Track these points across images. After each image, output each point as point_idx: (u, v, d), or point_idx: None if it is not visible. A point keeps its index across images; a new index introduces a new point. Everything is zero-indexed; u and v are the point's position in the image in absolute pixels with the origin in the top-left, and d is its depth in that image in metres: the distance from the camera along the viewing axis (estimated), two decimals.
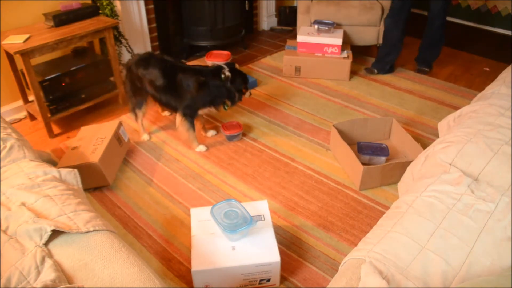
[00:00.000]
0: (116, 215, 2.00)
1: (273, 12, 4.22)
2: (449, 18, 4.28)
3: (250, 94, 2.48)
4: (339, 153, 2.31)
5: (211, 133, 2.58)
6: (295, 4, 4.33)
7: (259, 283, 1.61)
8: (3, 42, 2.33)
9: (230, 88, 2.30)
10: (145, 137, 2.55)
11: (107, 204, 2.07)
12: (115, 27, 2.87)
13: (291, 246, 1.82)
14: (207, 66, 2.40)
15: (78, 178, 1.60)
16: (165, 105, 2.45)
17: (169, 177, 2.24)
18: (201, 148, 2.43)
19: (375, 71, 3.27)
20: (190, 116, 2.33)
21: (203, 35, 3.44)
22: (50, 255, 1.17)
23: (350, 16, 3.30)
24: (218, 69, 2.30)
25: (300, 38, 3.17)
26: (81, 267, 1.15)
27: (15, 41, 2.33)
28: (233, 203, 1.67)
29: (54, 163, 2.07)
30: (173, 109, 2.40)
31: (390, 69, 3.29)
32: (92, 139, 2.22)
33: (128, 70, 2.36)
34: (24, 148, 1.68)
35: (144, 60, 2.31)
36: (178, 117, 2.33)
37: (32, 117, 2.75)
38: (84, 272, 1.14)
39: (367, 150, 2.23)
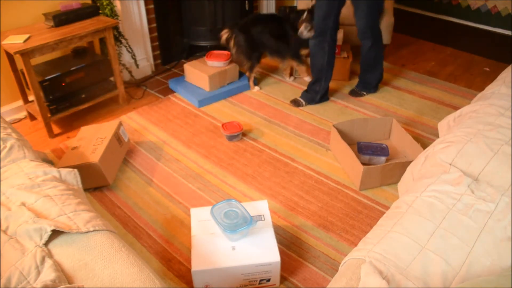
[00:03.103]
0: (116, 215, 2.01)
1: (273, 12, 4.21)
2: (449, 18, 4.28)
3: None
4: (339, 153, 2.31)
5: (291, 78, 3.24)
6: (295, 4, 4.33)
7: (259, 283, 1.61)
8: (3, 42, 2.33)
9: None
10: (256, 89, 3.08)
11: (107, 204, 2.07)
12: (115, 27, 2.87)
13: (291, 246, 1.83)
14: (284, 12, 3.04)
15: (78, 178, 1.61)
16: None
17: (169, 177, 2.24)
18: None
19: (303, 102, 2.84)
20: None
21: (203, 35, 3.43)
22: (50, 255, 1.17)
23: (350, 16, 3.28)
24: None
25: None
26: (81, 267, 1.15)
27: (15, 41, 2.33)
28: (233, 203, 1.67)
29: (50, 163, 2.07)
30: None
31: (321, 99, 2.85)
32: (92, 139, 2.22)
33: (243, 32, 2.91)
34: (24, 148, 1.68)
35: (254, 21, 2.95)
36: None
37: (32, 117, 2.75)
38: (84, 272, 1.14)
39: (367, 150, 2.23)
